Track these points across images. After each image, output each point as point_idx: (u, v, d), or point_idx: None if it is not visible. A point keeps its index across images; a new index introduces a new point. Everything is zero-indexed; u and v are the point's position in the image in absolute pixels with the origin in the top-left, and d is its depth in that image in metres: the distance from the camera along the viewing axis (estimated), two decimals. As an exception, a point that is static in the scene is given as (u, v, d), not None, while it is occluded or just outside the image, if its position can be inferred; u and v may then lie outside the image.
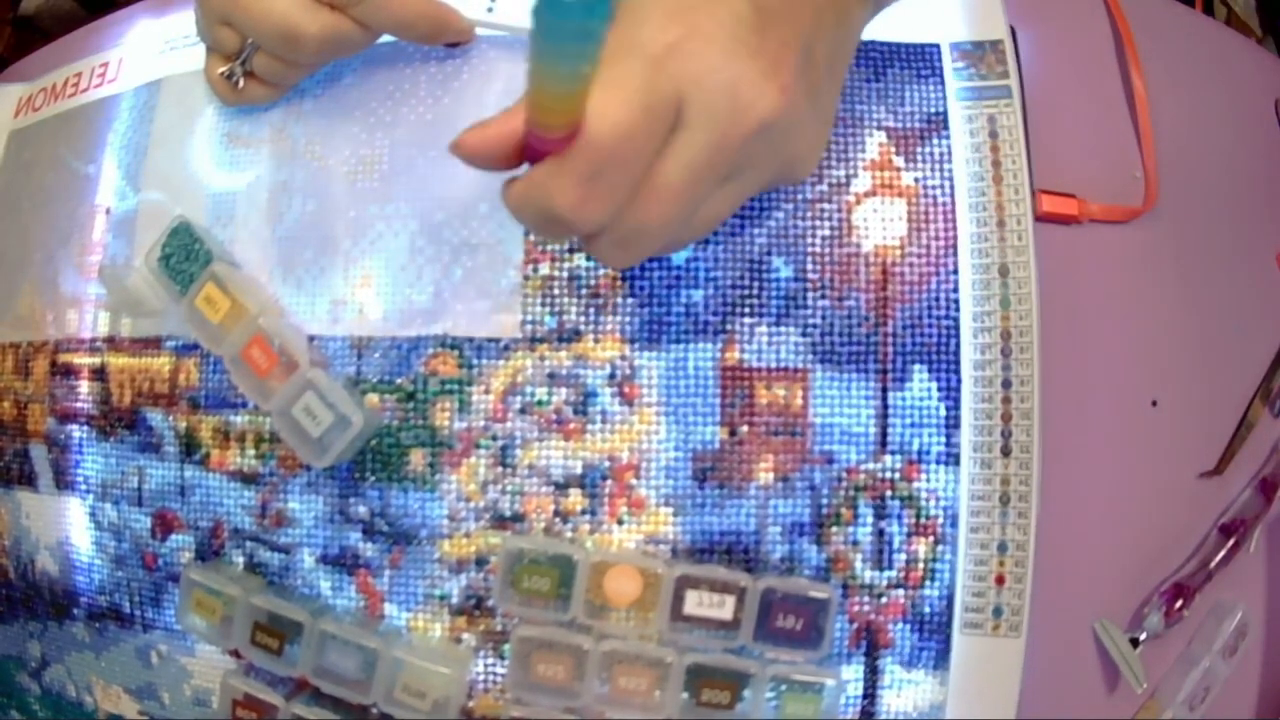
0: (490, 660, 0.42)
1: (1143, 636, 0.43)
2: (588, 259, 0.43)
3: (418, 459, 0.43)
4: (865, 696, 0.42)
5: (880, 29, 0.44)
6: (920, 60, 0.44)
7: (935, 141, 0.44)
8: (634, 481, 0.42)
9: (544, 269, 0.43)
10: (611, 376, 0.42)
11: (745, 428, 0.42)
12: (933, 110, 0.44)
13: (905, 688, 0.42)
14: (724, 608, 0.40)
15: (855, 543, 0.42)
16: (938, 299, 0.42)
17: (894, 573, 0.42)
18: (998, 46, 0.44)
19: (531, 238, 0.43)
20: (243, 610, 0.42)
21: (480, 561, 0.42)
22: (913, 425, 0.42)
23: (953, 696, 0.41)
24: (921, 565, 0.42)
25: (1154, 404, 0.45)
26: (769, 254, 0.43)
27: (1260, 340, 0.48)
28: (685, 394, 0.42)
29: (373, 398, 0.43)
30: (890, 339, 0.42)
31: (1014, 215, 0.43)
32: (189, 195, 0.46)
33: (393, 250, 0.44)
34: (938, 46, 0.44)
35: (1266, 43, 0.69)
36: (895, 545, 0.42)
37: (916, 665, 0.42)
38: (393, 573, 0.43)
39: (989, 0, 0.45)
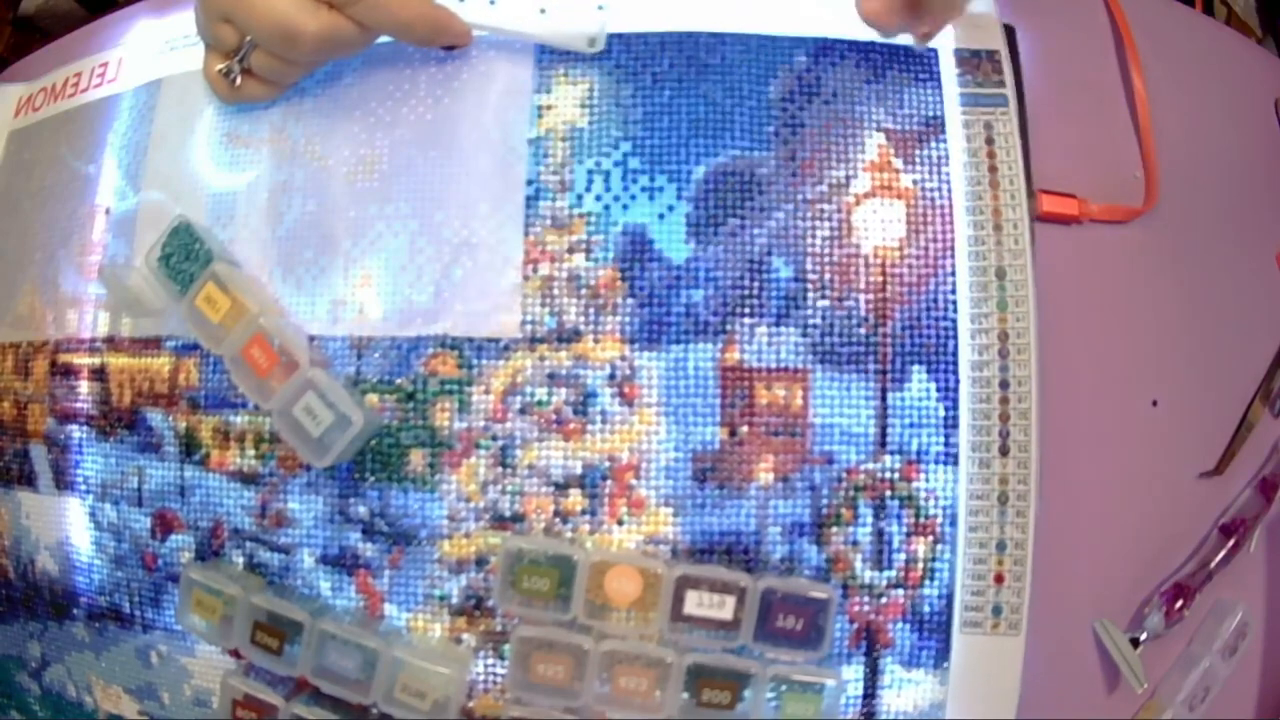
0: (490, 660, 0.42)
1: (1143, 636, 0.43)
2: (588, 258, 0.43)
3: (418, 459, 0.43)
4: (865, 696, 0.42)
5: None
6: (918, 64, 0.44)
7: (933, 145, 0.44)
8: (634, 482, 0.42)
9: (544, 269, 0.43)
10: (611, 377, 0.42)
11: (745, 428, 0.42)
12: (930, 113, 0.44)
13: (905, 687, 0.42)
14: (724, 608, 0.40)
15: (855, 543, 0.42)
16: (936, 300, 0.42)
17: (894, 572, 0.42)
18: (994, 56, 0.44)
19: (531, 237, 0.43)
20: (243, 610, 0.42)
21: (480, 562, 0.42)
22: (912, 425, 0.42)
23: (953, 696, 0.41)
24: (921, 565, 0.42)
25: (1154, 404, 0.45)
26: (769, 254, 0.43)
27: (1260, 340, 0.48)
28: (685, 394, 0.42)
29: (372, 398, 0.43)
30: (889, 340, 0.42)
31: (1010, 219, 0.43)
32: (189, 195, 0.46)
33: (393, 250, 0.44)
34: (935, 51, 0.45)
35: (1266, 43, 0.69)
36: (895, 545, 0.42)
37: (916, 665, 0.42)
38: (393, 573, 0.43)
39: (984, 12, 0.45)
